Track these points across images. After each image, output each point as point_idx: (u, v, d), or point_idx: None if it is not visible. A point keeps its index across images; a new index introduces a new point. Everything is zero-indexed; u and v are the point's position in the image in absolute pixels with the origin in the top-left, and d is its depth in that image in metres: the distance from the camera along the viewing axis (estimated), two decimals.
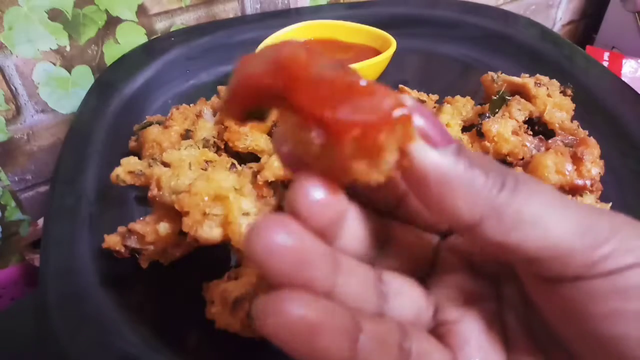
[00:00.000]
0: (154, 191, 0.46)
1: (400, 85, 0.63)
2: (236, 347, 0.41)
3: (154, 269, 0.48)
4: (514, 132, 0.56)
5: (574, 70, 0.69)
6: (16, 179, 0.76)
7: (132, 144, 0.61)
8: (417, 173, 0.21)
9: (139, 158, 0.55)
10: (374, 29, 0.69)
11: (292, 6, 0.84)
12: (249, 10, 0.82)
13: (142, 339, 0.41)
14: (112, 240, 0.46)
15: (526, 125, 0.58)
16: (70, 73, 0.73)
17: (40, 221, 0.70)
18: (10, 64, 0.68)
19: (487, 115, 0.58)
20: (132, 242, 0.46)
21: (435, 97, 0.65)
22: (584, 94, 0.64)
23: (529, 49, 0.74)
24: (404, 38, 0.67)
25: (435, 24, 0.78)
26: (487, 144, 0.55)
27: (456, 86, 0.69)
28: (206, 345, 0.42)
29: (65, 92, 0.74)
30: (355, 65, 0.61)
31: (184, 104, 0.61)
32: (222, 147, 0.57)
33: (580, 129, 0.59)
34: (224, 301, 0.41)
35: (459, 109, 0.61)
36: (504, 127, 0.55)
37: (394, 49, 0.64)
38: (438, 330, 0.25)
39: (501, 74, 0.64)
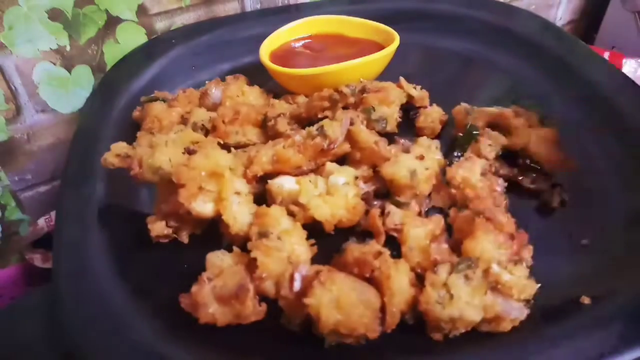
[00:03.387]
0: (135, 169, 0.48)
1: (401, 78, 0.63)
2: (245, 334, 0.41)
3: (166, 262, 0.48)
4: (483, 173, 0.50)
5: (576, 62, 0.68)
6: (16, 178, 0.76)
7: (136, 113, 0.63)
8: None
9: (140, 127, 0.58)
10: (378, 24, 0.68)
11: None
12: (248, 10, 0.81)
13: (153, 329, 0.41)
14: (158, 227, 0.48)
15: (498, 164, 0.53)
16: (70, 73, 0.73)
17: (40, 221, 0.70)
18: (10, 64, 0.68)
19: (457, 154, 0.54)
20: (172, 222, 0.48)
21: (425, 93, 0.63)
22: (585, 86, 0.63)
23: (530, 41, 0.73)
24: (406, 32, 0.67)
25: (437, 18, 0.78)
26: (453, 191, 0.49)
27: (458, 79, 0.69)
28: (216, 334, 0.41)
29: (65, 92, 0.73)
30: (359, 60, 0.61)
31: (191, 88, 0.64)
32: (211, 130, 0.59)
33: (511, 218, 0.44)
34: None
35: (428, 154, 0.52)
36: (470, 171, 0.49)
37: (397, 44, 0.64)
38: None
39: (476, 108, 0.58)
